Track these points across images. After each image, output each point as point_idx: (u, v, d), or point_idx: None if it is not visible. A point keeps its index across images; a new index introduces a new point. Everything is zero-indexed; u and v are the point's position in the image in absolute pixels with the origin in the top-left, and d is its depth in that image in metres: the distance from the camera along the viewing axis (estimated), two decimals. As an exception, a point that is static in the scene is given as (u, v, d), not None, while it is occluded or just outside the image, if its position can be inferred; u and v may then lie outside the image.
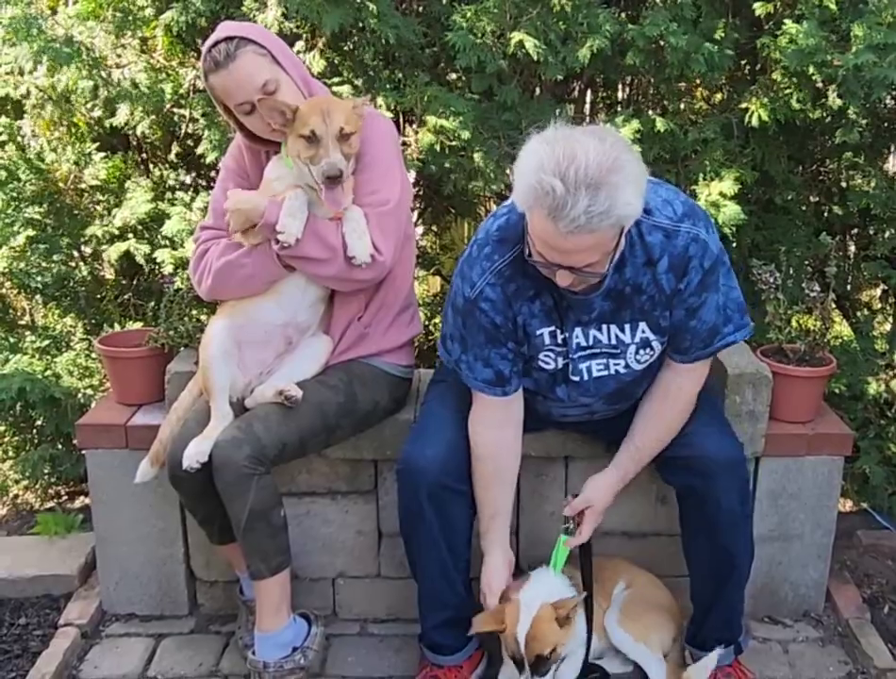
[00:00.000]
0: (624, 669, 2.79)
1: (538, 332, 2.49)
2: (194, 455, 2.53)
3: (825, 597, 3.17)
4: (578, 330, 2.48)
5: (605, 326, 2.48)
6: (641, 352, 2.51)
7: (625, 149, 2.17)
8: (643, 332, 2.48)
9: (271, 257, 2.62)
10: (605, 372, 2.55)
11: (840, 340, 3.87)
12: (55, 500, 3.84)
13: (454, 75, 3.70)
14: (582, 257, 2.19)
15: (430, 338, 4.42)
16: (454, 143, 3.33)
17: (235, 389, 2.70)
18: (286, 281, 2.69)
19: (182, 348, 3.07)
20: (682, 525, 2.73)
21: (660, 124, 3.47)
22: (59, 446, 3.70)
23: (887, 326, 4.05)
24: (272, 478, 2.59)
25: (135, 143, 4.06)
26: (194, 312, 3.15)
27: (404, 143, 3.37)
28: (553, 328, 2.49)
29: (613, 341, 2.50)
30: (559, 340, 2.51)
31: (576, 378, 2.55)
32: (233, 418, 2.63)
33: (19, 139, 3.83)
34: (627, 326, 2.48)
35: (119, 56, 3.68)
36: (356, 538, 3.09)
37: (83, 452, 3.66)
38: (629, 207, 2.13)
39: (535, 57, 3.25)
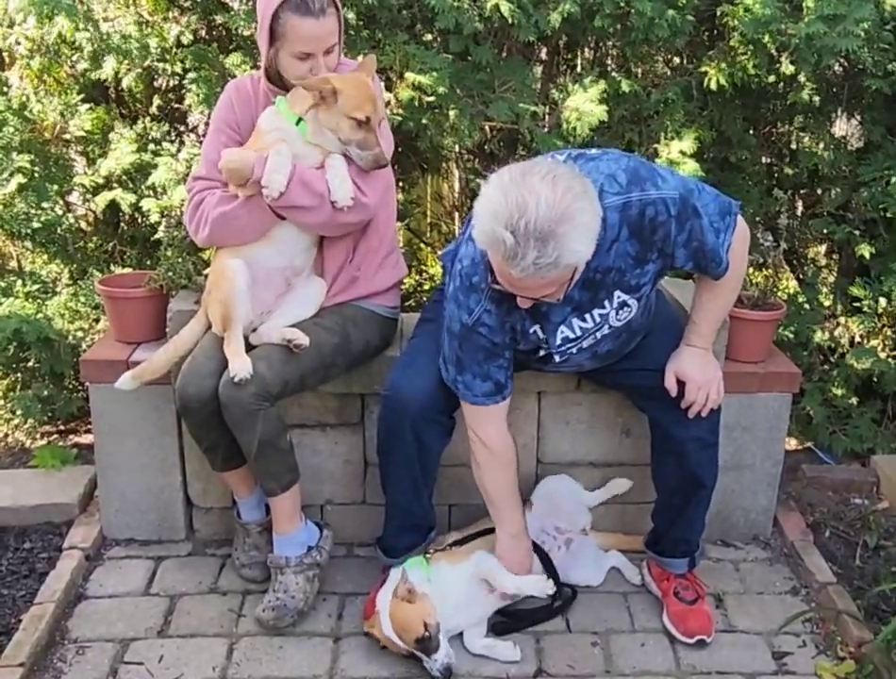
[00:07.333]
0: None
1: (531, 330, 2.61)
2: (241, 368, 2.66)
3: (773, 522, 3.38)
4: (563, 327, 2.59)
5: (587, 315, 2.58)
6: (620, 313, 2.61)
7: (577, 195, 2.16)
8: (619, 297, 2.56)
9: (263, 209, 2.75)
10: (592, 340, 2.66)
11: (788, 294, 4.02)
12: (45, 438, 3.93)
13: (429, 36, 3.85)
14: (538, 293, 2.31)
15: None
16: (431, 98, 3.44)
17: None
18: (281, 229, 2.81)
19: (181, 289, 3.18)
20: (652, 449, 2.92)
21: (625, 86, 3.63)
22: (51, 386, 3.80)
23: (831, 279, 4.23)
24: (276, 410, 2.75)
25: (114, 96, 4.12)
26: (190, 256, 3.27)
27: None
28: (539, 326, 2.60)
29: (597, 320, 2.60)
30: (542, 337, 2.63)
31: (564, 358, 2.69)
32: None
33: (5, 89, 3.88)
34: (605, 301, 2.56)
35: (105, 10, 3.80)
36: (343, 467, 3.25)
37: (78, 391, 3.83)
38: (578, 255, 2.18)
39: (509, 20, 3.39)
